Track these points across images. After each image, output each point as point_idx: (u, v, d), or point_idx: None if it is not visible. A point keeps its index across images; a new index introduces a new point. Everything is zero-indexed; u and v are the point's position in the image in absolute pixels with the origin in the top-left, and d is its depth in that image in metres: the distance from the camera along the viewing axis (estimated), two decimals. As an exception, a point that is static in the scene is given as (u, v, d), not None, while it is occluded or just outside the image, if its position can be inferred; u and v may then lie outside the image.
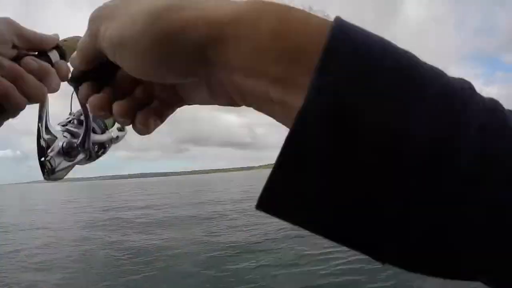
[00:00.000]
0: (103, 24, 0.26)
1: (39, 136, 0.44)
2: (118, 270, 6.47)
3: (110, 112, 0.31)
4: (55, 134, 0.45)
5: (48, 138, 0.44)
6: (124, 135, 0.54)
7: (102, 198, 28.73)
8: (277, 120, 0.25)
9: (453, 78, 0.22)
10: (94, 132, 0.47)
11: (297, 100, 0.20)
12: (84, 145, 0.45)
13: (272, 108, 0.24)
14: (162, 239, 9.02)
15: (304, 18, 0.22)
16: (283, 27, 0.22)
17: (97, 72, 0.30)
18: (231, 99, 0.27)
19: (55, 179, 0.45)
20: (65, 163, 0.45)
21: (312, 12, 0.23)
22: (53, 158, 0.44)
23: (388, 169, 0.20)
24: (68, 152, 0.45)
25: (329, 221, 0.22)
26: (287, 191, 0.21)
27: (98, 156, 0.48)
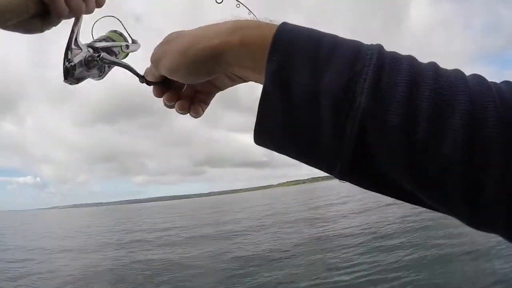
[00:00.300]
0: (159, 63, 0.45)
1: (68, 45, 0.51)
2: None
3: (174, 104, 0.51)
4: (81, 47, 0.53)
5: (74, 49, 0.52)
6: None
7: (122, 221, 28.97)
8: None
9: (368, 46, 0.34)
10: (114, 54, 0.59)
11: (263, 78, 0.35)
12: (104, 61, 0.55)
13: (256, 80, 0.41)
14: (184, 257, 9.04)
15: (259, 33, 0.37)
16: (245, 41, 0.37)
17: (161, 81, 0.50)
18: (241, 79, 0.46)
19: (71, 83, 0.53)
20: (83, 72, 0.53)
21: (267, 22, 0.39)
22: (76, 65, 0.51)
23: (312, 108, 0.33)
24: (88, 63, 0.53)
25: (287, 141, 0.36)
26: (264, 125, 0.37)
27: (106, 73, 0.58)
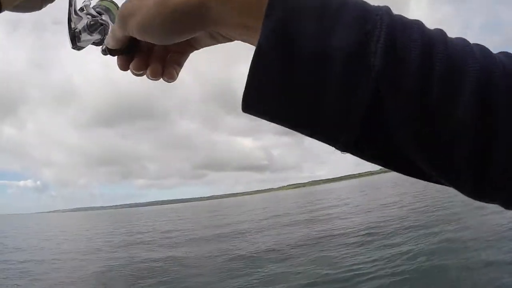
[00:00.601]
0: (129, 20, 0.37)
1: (69, 17, 0.55)
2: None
3: (144, 72, 0.44)
4: (81, 15, 0.57)
5: (76, 18, 0.56)
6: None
7: (121, 225, 28.94)
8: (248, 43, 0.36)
9: (376, 7, 0.31)
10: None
11: (255, 37, 0.31)
12: (103, 27, 0.57)
13: (245, 40, 0.36)
14: (184, 258, 9.05)
15: None
16: None
17: (126, 47, 0.43)
18: (225, 39, 0.40)
19: (78, 49, 0.57)
20: (87, 37, 0.57)
21: None
22: (80, 32, 0.55)
23: (319, 66, 0.29)
24: (90, 27, 0.57)
25: (285, 106, 0.32)
26: (258, 87, 0.32)
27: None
